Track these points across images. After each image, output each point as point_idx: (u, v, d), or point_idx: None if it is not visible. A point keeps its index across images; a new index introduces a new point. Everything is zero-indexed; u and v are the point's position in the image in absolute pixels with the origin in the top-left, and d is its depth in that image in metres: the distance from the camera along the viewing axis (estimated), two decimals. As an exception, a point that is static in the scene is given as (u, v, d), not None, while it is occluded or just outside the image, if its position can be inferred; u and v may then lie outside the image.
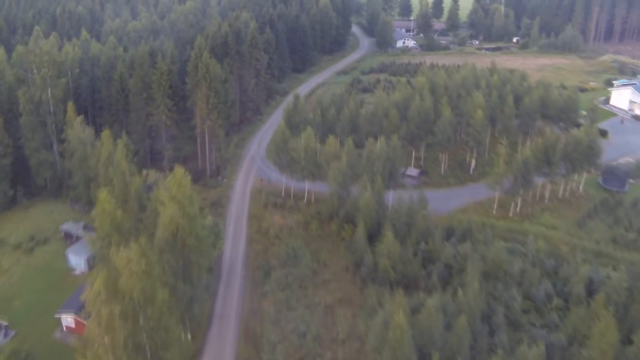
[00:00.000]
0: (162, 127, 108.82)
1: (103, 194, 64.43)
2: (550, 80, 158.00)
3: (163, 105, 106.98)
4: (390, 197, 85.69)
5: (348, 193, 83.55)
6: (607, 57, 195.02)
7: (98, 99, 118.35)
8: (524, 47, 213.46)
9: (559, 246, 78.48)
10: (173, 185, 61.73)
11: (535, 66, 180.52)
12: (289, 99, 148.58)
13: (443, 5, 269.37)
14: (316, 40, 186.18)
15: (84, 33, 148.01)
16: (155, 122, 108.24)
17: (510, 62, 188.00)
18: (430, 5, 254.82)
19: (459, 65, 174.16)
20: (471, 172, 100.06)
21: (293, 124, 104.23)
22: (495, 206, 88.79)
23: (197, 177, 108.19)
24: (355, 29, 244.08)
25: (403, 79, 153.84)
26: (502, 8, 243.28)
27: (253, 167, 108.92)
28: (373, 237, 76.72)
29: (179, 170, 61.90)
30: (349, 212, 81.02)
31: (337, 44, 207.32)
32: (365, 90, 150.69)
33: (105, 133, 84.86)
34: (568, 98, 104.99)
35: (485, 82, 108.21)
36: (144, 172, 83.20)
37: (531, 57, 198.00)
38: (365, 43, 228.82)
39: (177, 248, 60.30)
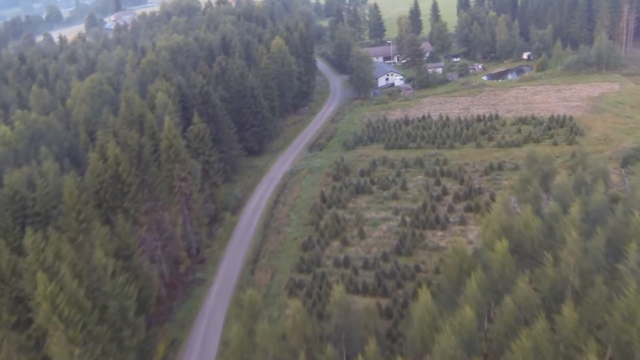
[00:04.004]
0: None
1: None
2: (632, 137, 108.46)
3: (6, 342, 52.96)
4: None
5: None
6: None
7: None
8: (542, 67, 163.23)
9: None
10: None
11: (581, 102, 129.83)
12: (245, 219, 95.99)
13: (421, 18, 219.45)
14: (273, 101, 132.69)
15: None
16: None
17: (541, 97, 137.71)
18: (407, 22, 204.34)
19: (481, 118, 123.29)
20: None
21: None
22: None
23: None
24: (320, 63, 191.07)
25: (420, 177, 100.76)
26: (498, 16, 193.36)
27: None
28: None
29: None
30: None
31: (302, 96, 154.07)
32: (358, 190, 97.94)
33: None
34: None
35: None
36: None
37: (562, 83, 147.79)
38: (336, 84, 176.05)
39: None
